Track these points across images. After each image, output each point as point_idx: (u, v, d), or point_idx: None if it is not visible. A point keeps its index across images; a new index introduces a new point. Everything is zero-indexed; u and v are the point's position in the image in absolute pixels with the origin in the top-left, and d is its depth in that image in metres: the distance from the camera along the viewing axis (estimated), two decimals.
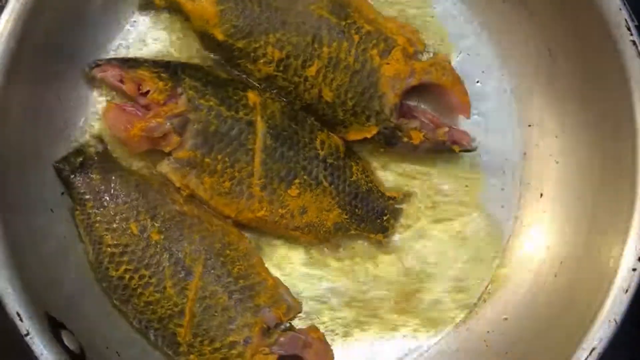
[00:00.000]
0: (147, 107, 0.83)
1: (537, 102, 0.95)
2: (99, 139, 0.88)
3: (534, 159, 0.95)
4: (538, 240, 0.94)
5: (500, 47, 0.95)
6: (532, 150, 0.95)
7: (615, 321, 0.79)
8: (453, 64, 0.94)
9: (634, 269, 0.80)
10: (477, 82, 0.95)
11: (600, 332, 0.79)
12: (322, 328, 0.90)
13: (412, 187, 0.94)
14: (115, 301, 0.85)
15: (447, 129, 0.88)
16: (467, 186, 0.95)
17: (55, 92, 0.86)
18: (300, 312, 0.88)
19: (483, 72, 0.95)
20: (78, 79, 0.88)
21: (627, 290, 0.80)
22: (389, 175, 0.94)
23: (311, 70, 0.85)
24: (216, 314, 0.82)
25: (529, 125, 0.95)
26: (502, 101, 0.96)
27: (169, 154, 0.84)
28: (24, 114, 0.82)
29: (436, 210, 0.95)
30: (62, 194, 0.86)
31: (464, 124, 0.93)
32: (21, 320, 0.72)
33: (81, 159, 0.86)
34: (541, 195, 0.95)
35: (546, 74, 0.93)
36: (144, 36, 0.90)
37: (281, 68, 0.86)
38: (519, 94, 0.96)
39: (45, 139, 0.86)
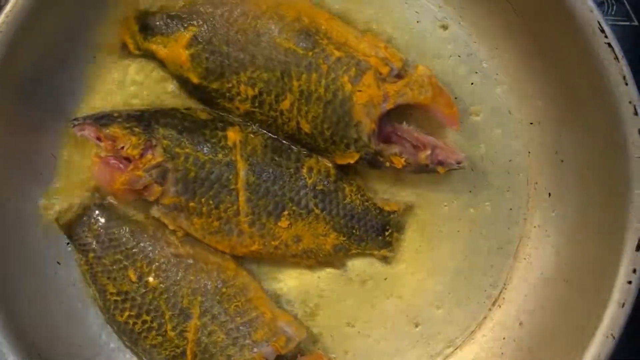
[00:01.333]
0: (128, 160, 0.85)
1: (537, 101, 0.91)
2: (97, 190, 0.91)
3: (539, 158, 0.92)
4: (549, 241, 0.92)
5: (492, 47, 0.91)
6: (536, 149, 0.92)
7: (613, 336, 0.78)
8: (444, 68, 0.91)
9: (629, 282, 0.77)
10: (472, 83, 0.92)
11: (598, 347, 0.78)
12: (333, 343, 0.93)
13: (415, 197, 0.93)
14: (126, 343, 0.90)
15: (429, 152, 0.85)
16: (470, 191, 0.93)
17: (50, 149, 0.90)
18: (302, 339, 0.89)
19: (477, 72, 0.92)
20: (70, 135, 0.90)
21: (623, 305, 0.77)
22: (390, 187, 0.93)
23: (285, 104, 0.84)
24: (216, 353, 0.85)
25: (531, 124, 0.91)
26: (500, 101, 0.92)
27: (157, 201, 0.86)
28: (20, 172, 0.87)
29: (442, 219, 0.93)
30: (68, 244, 0.91)
31: (463, 128, 0.91)
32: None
33: (81, 212, 0.90)
34: (549, 194, 0.91)
35: (540, 72, 0.89)
36: (124, 84, 0.91)
37: (256, 104, 0.86)
38: (517, 93, 0.92)
39: (45, 194, 0.90)
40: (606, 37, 0.74)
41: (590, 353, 0.78)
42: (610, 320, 0.78)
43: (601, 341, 0.78)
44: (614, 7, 1.00)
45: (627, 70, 0.75)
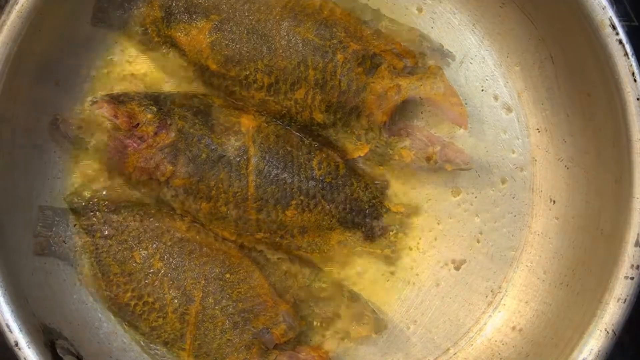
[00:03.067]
0: (142, 139, 0.86)
1: (543, 107, 0.93)
2: (108, 171, 0.91)
3: (544, 165, 0.93)
4: (550, 247, 0.92)
5: (503, 53, 0.94)
6: (541, 156, 0.93)
7: (614, 332, 0.78)
8: (456, 72, 0.94)
9: (631, 278, 0.78)
10: (482, 89, 0.94)
11: (592, 343, 0.79)
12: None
13: (420, 201, 0.94)
14: (125, 326, 0.89)
15: (438, 147, 0.87)
16: (476, 197, 0.94)
17: (65, 130, 0.90)
18: (302, 330, 0.89)
19: (487, 79, 0.94)
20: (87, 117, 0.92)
21: (625, 300, 0.77)
22: (396, 191, 0.94)
23: (300, 93, 0.86)
24: (215, 337, 0.84)
25: (537, 131, 0.93)
26: (508, 107, 0.94)
27: (167, 182, 0.87)
28: (33, 151, 0.89)
29: (446, 223, 0.94)
30: (75, 225, 0.91)
31: (470, 133, 0.93)
32: (10, 331, 0.77)
33: (90, 193, 0.90)
34: (553, 202, 0.92)
35: (550, 79, 0.91)
36: (143, 71, 0.93)
37: (272, 93, 0.87)
38: (525, 99, 0.94)
39: (57, 174, 0.91)
40: (617, 34, 0.77)
41: (588, 347, 0.78)
42: (610, 315, 0.78)
43: (598, 336, 0.78)
44: (614, 7, 1.02)
45: (636, 67, 0.77)
